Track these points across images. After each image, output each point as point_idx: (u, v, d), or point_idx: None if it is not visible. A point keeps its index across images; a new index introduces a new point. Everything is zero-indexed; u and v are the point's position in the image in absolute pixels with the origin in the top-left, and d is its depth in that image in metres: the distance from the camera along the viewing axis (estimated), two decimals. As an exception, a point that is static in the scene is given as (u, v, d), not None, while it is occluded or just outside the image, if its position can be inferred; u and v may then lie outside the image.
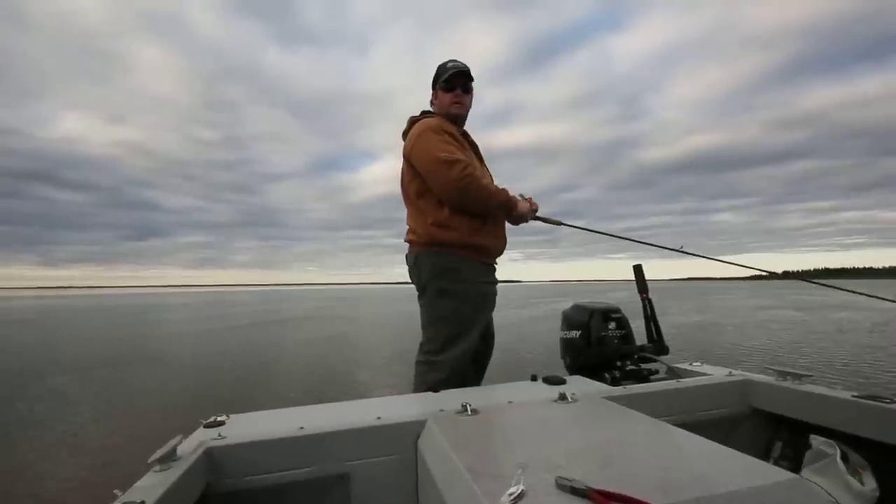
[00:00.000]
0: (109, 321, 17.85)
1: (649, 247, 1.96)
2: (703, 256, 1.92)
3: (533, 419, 1.09)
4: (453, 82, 1.87)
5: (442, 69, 1.90)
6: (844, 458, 1.21)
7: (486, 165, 2.01)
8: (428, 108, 2.00)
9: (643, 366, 1.69)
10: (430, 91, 1.98)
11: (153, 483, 0.83)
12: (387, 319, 16.54)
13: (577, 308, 1.84)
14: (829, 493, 1.17)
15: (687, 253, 1.90)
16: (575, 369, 1.77)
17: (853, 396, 1.23)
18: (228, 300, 41.86)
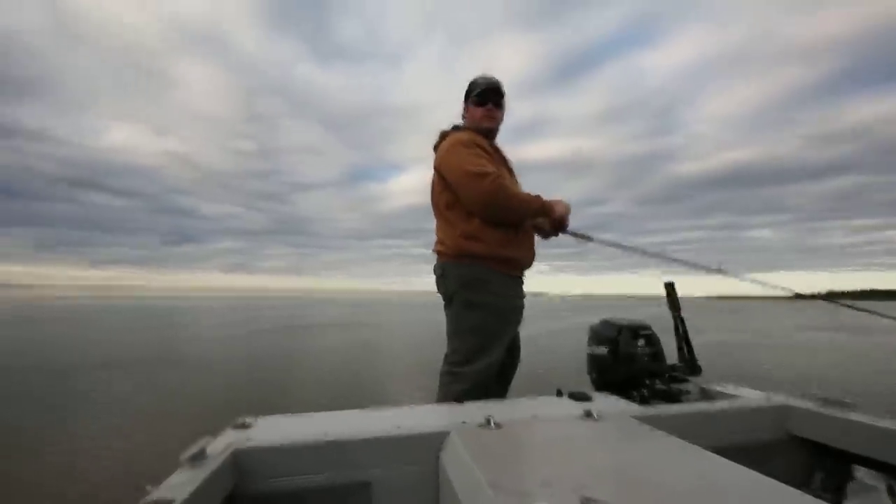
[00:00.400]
0: (146, 323, 18.58)
1: (681, 263, 1.91)
2: (718, 273, 1.86)
3: (558, 436, 1.07)
4: (485, 97, 1.90)
5: (474, 84, 1.94)
6: (891, 490, 1.14)
7: (516, 179, 2.01)
8: (459, 121, 2.03)
9: (673, 386, 1.64)
10: (460, 104, 2.01)
11: (183, 481, 0.85)
12: (412, 329, 16.59)
13: (605, 323, 1.81)
14: None
15: (720, 272, 1.84)
16: (601, 386, 1.73)
17: None
18: (259, 305, 42.91)
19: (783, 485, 0.77)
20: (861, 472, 1.20)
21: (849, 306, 1.89)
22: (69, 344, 10.67)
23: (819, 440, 1.32)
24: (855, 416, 1.26)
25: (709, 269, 1.88)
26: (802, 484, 1.34)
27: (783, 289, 1.88)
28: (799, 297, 1.98)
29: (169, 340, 11.67)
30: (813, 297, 2.02)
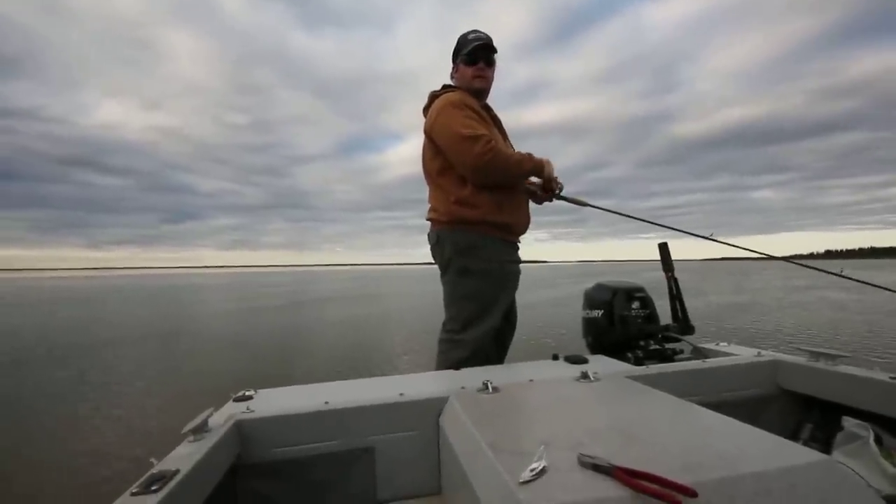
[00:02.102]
0: (148, 301, 18.71)
1: (670, 229, 1.94)
2: (712, 239, 1.88)
3: (554, 397, 1.09)
4: (476, 55, 1.82)
5: (463, 41, 1.85)
6: (878, 440, 1.17)
7: (509, 141, 1.97)
8: (449, 81, 1.96)
9: (667, 345, 1.66)
10: (453, 65, 1.94)
11: (187, 453, 0.88)
12: (411, 300, 16.73)
13: (599, 287, 1.82)
14: (860, 476, 1.14)
15: (703, 237, 1.85)
16: (597, 349, 1.76)
17: (890, 378, 1.19)
18: (260, 281, 43.12)
19: (774, 436, 0.79)
20: (849, 422, 1.23)
21: (802, 265, 2.00)
22: (73, 325, 10.79)
23: (809, 393, 1.35)
24: (842, 369, 1.29)
25: (698, 236, 1.89)
26: (793, 435, 1.38)
27: (749, 250, 1.94)
28: (768, 258, 2.06)
29: (172, 319, 11.77)
30: (771, 258, 2.09)
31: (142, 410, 3.95)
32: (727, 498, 0.63)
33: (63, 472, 2.76)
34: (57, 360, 6.30)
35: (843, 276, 1.63)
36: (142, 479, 0.76)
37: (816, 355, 1.38)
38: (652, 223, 1.98)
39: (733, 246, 1.92)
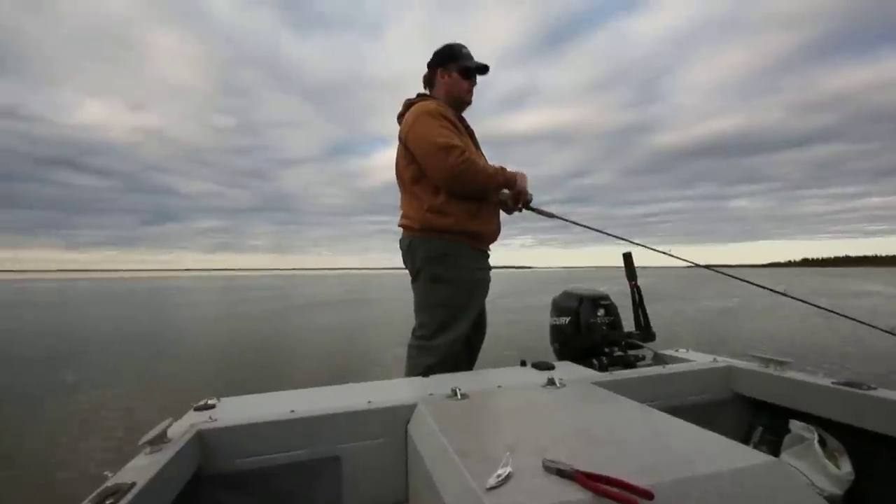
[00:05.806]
0: (123, 305, 18.15)
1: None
2: (651, 248, 1.94)
3: (521, 403, 1.11)
4: (471, 73, 1.90)
5: (458, 52, 1.89)
6: (822, 442, 1.23)
7: (481, 151, 2.01)
8: (423, 90, 1.98)
9: (630, 352, 1.70)
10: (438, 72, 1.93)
11: (144, 464, 0.85)
12: (393, 305, 16.54)
13: (566, 295, 1.86)
14: (806, 476, 1.19)
15: (644, 246, 1.91)
16: (564, 355, 1.79)
17: (833, 383, 1.24)
18: (243, 285, 42.31)
19: (727, 439, 0.83)
20: (796, 425, 1.29)
21: (727, 275, 2.07)
22: (37, 328, 10.45)
23: (759, 397, 1.41)
24: (790, 374, 1.35)
25: (657, 250, 1.95)
26: (745, 437, 1.44)
27: (682, 259, 2.02)
28: (696, 266, 2.09)
29: (140, 323, 11.35)
30: (697, 266, 2.09)
31: (97, 422, 3.72)
32: (682, 498, 0.65)
33: (5, 489, 2.58)
34: (16, 366, 6.02)
35: (785, 295, 1.70)
36: (95, 493, 0.73)
37: (767, 361, 1.43)
38: (608, 234, 2.06)
39: (672, 256, 1.98)
